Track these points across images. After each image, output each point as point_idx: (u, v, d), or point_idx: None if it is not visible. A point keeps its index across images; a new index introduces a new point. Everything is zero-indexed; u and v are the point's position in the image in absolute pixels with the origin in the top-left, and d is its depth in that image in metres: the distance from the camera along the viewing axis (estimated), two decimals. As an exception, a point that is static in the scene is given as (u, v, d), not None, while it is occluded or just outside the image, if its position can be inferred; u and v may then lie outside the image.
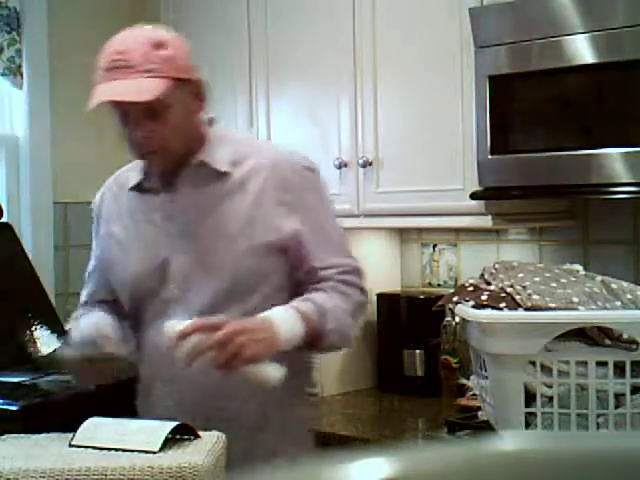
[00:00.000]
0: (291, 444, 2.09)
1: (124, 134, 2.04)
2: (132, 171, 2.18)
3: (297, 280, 2.09)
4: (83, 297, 2.30)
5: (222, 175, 2.07)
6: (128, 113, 1.99)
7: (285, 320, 1.93)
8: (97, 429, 1.75)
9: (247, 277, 2.04)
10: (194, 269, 2.06)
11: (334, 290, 2.05)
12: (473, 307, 1.93)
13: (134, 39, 2.01)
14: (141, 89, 1.96)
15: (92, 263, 2.28)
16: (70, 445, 1.72)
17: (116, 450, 1.69)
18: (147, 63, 1.97)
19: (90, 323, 2.10)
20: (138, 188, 2.15)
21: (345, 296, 2.06)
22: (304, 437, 2.17)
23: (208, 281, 2.04)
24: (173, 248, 2.08)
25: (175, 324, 1.87)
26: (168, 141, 2.02)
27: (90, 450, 1.70)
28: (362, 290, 2.12)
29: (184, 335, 1.84)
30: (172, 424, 1.74)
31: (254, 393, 2.01)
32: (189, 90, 2.03)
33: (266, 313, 1.93)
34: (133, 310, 2.16)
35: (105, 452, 1.68)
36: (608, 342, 1.84)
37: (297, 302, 1.99)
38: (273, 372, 1.87)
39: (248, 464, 1.97)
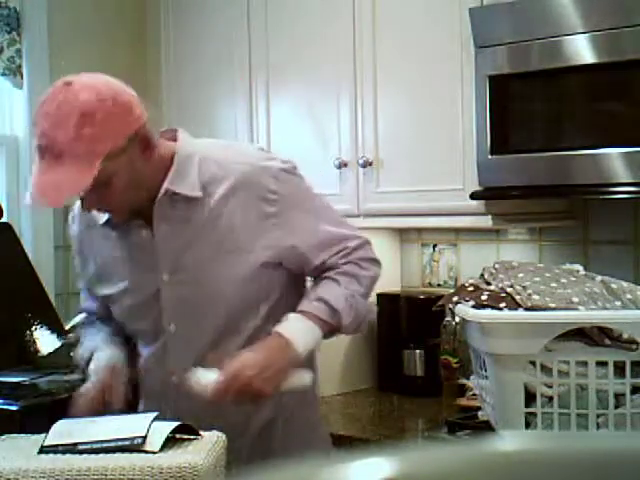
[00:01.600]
0: (300, 446, 2.08)
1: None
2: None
3: (304, 275, 2.08)
4: (82, 301, 2.27)
5: (196, 200, 1.96)
6: None
7: (301, 334, 1.92)
8: (72, 429, 1.75)
9: (245, 303, 1.99)
10: (187, 304, 1.98)
11: (344, 275, 2.02)
12: (473, 307, 1.93)
13: (59, 112, 1.81)
14: (70, 184, 1.80)
15: (81, 282, 2.23)
16: (43, 447, 1.70)
17: (102, 442, 1.69)
18: (76, 146, 1.79)
19: (103, 357, 2.03)
20: (110, 224, 2.03)
21: (356, 278, 2.03)
22: (314, 439, 2.16)
23: (204, 315, 1.98)
24: (160, 284, 1.99)
25: (202, 377, 1.86)
26: (120, 204, 1.90)
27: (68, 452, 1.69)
28: (371, 261, 2.09)
29: (217, 398, 1.84)
30: (172, 424, 1.74)
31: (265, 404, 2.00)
32: (131, 149, 1.86)
33: (281, 329, 1.91)
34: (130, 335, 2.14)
35: (104, 453, 1.68)
36: (608, 342, 1.84)
37: (309, 305, 1.96)
38: (302, 379, 1.93)
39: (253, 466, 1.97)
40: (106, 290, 2.10)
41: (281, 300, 2.02)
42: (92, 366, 2.01)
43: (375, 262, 2.10)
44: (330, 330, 1.98)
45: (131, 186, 1.89)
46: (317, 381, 2.15)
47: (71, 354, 2.48)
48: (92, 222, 2.06)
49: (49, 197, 1.85)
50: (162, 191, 1.94)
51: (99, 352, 2.04)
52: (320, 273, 2.04)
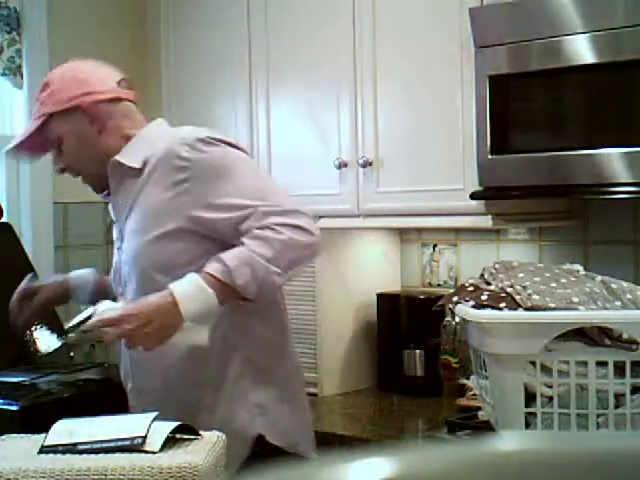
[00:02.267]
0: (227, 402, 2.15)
1: None
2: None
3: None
4: None
5: (139, 172, 2.16)
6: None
7: (190, 293, 1.98)
8: (72, 429, 1.74)
9: (156, 269, 2.12)
10: (124, 267, 2.21)
11: (252, 238, 2.01)
12: (473, 307, 1.94)
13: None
14: (23, 133, 2.29)
15: None
16: (43, 447, 1.70)
17: (102, 442, 1.69)
18: (36, 108, 2.27)
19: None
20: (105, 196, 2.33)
21: (264, 241, 2.00)
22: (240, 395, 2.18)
23: (130, 279, 2.18)
24: (118, 251, 2.26)
25: (103, 307, 2.07)
26: (73, 167, 2.26)
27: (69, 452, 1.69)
28: (292, 227, 2.02)
29: (99, 325, 2.02)
30: (172, 424, 1.74)
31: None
32: (78, 119, 2.21)
33: (173, 288, 1.99)
34: None
35: (104, 453, 1.67)
36: (608, 342, 1.84)
37: (207, 265, 2.01)
38: (199, 335, 2.00)
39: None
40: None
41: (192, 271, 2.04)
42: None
43: (297, 228, 2.03)
44: (228, 293, 1.99)
45: (80, 151, 2.22)
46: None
47: (71, 354, 2.48)
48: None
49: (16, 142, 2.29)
50: (111, 161, 2.20)
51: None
52: (237, 240, 2.06)
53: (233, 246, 2.05)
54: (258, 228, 2.03)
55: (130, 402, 2.26)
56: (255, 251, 2.00)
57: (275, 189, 2.14)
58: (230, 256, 2.01)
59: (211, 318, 2.03)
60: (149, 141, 2.19)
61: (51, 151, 2.28)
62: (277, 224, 2.03)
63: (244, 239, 2.03)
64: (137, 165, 2.17)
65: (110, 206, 2.31)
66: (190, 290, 1.98)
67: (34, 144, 2.27)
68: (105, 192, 2.29)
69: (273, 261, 2.01)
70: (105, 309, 2.05)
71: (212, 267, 2.00)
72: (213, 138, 2.13)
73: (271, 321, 2.22)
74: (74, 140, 2.22)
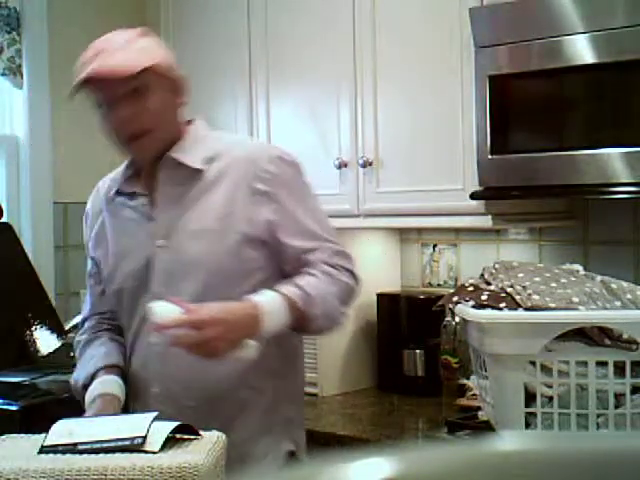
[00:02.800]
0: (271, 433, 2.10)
1: (105, 121, 2.08)
2: (112, 179, 2.23)
3: (286, 274, 2.07)
4: (86, 309, 2.31)
5: (197, 172, 2.08)
6: (109, 93, 2.02)
7: (272, 309, 1.93)
8: (72, 429, 1.74)
9: (222, 277, 2.04)
10: (174, 267, 2.07)
11: (322, 273, 2.03)
12: (473, 307, 1.93)
13: (114, 34, 2.08)
14: (126, 62, 2.00)
15: (89, 271, 2.30)
16: (43, 447, 1.70)
17: (102, 442, 1.69)
18: (129, 46, 2.04)
19: (99, 387, 2.08)
20: (119, 194, 2.18)
21: (332, 278, 2.03)
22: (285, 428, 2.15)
23: (185, 283, 2.05)
24: (155, 248, 2.09)
25: (161, 308, 1.90)
26: (148, 124, 2.04)
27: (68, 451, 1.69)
28: (351, 273, 2.09)
29: (165, 328, 1.88)
30: (172, 424, 1.74)
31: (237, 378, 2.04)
32: (168, 85, 2.07)
33: (259, 303, 1.93)
34: (123, 313, 2.18)
35: (104, 453, 1.67)
36: (608, 342, 1.84)
37: (285, 287, 1.98)
38: (247, 351, 1.91)
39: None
40: (102, 253, 2.20)
41: (258, 286, 2.01)
42: (87, 396, 2.07)
43: (355, 277, 2.10)
44: (299, 318, 1.97)
45: (159, 114, 2.06)
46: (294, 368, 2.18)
47: (71, 354, 2.48)
48: (105, 192, 2.23)
49: (102, 72, 2.00)
50: (168, 157, 2.08)
51: (95, 381, 2.09)
52: (297, 267, 2.05)
53: (282, 269, 2.05)
54: (328, 264, 2.04)
55: (151, 405, 2.05)
56: (328, 287, 2.01)
57: (332, 227, 2.15)
58: (307, 284, 1.99)
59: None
60: (204, 140, 2.14)
61: (124, 102, 2.02)
62: (343, 267, 2.07)
63: (314, 271, 2.02)
64: (198, 166, 2.08)
65: (143, 202, 2.14)
66: (273, 308, 1.93)
67: (113, 83, 2.00)
68: (129, 172, 2.17)
69: (341, 301, 2.05)
70: (163, 309, 1.90)
71: (291, 291, 1.97)
72: (292, 158, 2.12)
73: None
74: (159, 100, 2.06)
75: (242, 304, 1.93)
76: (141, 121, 2.03)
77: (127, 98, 2.01)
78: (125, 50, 2.02)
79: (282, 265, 2.08)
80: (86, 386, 2.09)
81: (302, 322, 1.98)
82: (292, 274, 2.04)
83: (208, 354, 1.89)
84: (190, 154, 2.10)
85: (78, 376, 2.15)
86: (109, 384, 2.08)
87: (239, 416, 2.07)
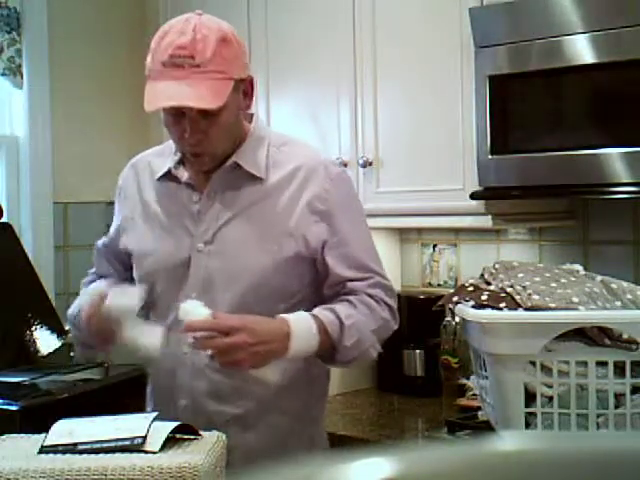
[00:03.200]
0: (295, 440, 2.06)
1: (171, 127, 1.93)
2: (158, 157, 2.09)
3: (326, 297, 2.01)
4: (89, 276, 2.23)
5: (256, 179, 1.99)
6: (184, 114, 1.88)
7: (302, 332, 1.88)
8: (72, 429, 1.74)
9: (263, 291, 1.96)
10: (212, 276, 1.97)
11: (362, 303, 1.97)
12: (473, 307, 1.93)
13: (198, 31, 1.88)
14: (211, 93, 1.84)
15: (104, 240, 2.19)
16: (43, 447, 1.70)
17: (102, 442, 1.69)
18: (215, 63, 1.85)
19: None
20: (167, 177, 2.05)
21: (371, 310, 1.98)
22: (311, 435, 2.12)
23: (224, 291, 1.96)
24: (196, 249, 1.99)
25: (191, 309, 1.85)
26: (218, 144, 1.93)
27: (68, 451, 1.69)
28: (390, 308, 2.03)
29: (194, 329, 1.83)
30: (172, 424, 1.74)
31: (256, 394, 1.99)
32: (242, 88, 1.94)
33: (291, 322, 1.88)
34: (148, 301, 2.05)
35: (104, 453, 1.67)
36: (608, 342, 1.84)
37: (320, 311, 1.93)
38: (270, 375, 1.87)
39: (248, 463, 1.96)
40: (134, 243, 2.08)
41: (296, 306, 1.96)
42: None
43: (395, 315, 2.04)
44: (327, 346, 1.92)
45: (230, 128, 1.94)
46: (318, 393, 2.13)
47: (71, 354, 2.47)
48: (146, 172, 2.09)
49: (185, 102, 1.84)
50: (229, 161, 1.98)
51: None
52: (338, 292, 1.99)
53: (320, 292, 2.00)
54: (368, 295, 1.99)
55: (179, 417, 1.88)
56: (366, 320, 1.96)
57: (378, 254, 2.09)
58: (346, 313, 1.93)
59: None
60: (266, 145, 2.01)
61: (197, 123, 1.88)
62: (383, 300, 2.01)
63: (353, 299, 1.97)
64: (259, 174, 1.98)
65: (192, 198, 2.02)
66: (304, 330, 1.88)
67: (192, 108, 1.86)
68: (179, 156, 2.02)
69: (376, 335, 2.00)
70: (193, 309, 1.84)
71: (326, 317, 1.91)
72: (347, 175, 2.10)
73: None
74: (235, 112, 1.93)
75: (273, 320, 1.88)
76: (211, 141, 1.92)
77: (201, 118, 1.88)
78: (212, 67, 1.85)
79: (322, 288, 2.02)
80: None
81: (329, 350, 1.93)
82: (331, 298, 1.99)
83: (232, 363, 1.83)
84: (252, 159, 1.99)
85: (75, 306, 2.08)
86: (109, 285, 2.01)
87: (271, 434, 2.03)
